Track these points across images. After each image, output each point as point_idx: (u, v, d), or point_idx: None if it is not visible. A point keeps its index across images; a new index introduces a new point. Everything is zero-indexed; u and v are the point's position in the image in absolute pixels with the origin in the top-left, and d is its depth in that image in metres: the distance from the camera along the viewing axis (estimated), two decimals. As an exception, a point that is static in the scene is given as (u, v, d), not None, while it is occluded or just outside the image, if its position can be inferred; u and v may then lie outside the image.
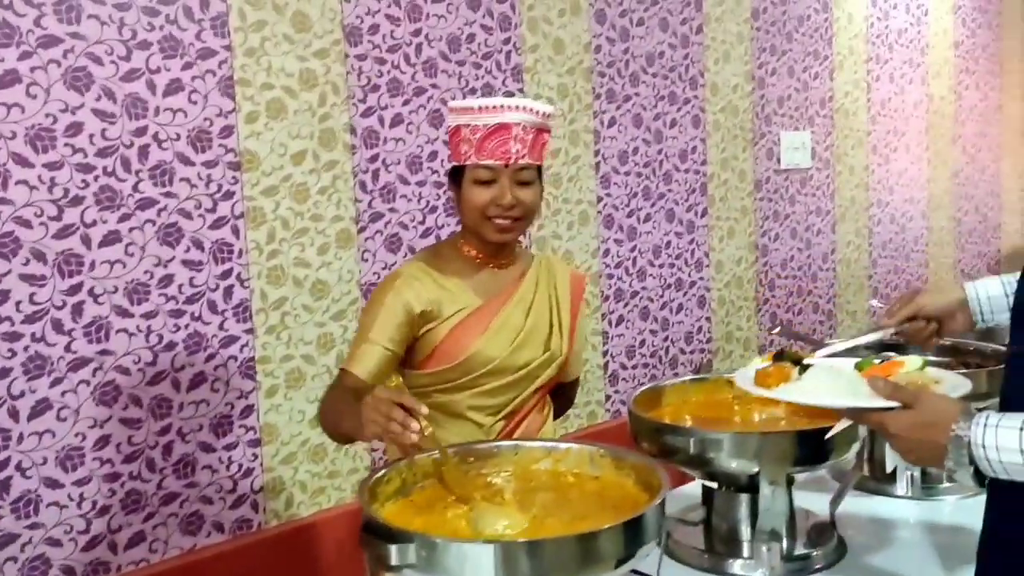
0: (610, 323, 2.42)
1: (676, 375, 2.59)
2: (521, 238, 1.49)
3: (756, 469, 1.19)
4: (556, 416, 1.57)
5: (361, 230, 1.90)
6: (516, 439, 1.32)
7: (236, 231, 1.72)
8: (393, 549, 0.85)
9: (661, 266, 2.53)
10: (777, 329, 1.51)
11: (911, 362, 1.17)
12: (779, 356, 1.17)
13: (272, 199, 1.76)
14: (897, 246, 3.35)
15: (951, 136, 3.56)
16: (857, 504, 1.44)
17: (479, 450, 1.15)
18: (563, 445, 1.15)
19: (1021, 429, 0.96)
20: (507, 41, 2.14)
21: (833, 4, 2.98)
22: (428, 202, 2.01)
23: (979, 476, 1.00)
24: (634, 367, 2.48)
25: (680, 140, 2.55)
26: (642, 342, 2.50)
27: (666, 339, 2.56)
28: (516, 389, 1.40)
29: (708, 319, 2.67)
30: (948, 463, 0.99)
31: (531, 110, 1.35)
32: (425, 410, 1.04)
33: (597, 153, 2.35)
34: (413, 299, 1.32)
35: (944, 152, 3.53)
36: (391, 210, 1.95)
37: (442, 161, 2.01)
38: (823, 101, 2.97)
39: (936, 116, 3.46)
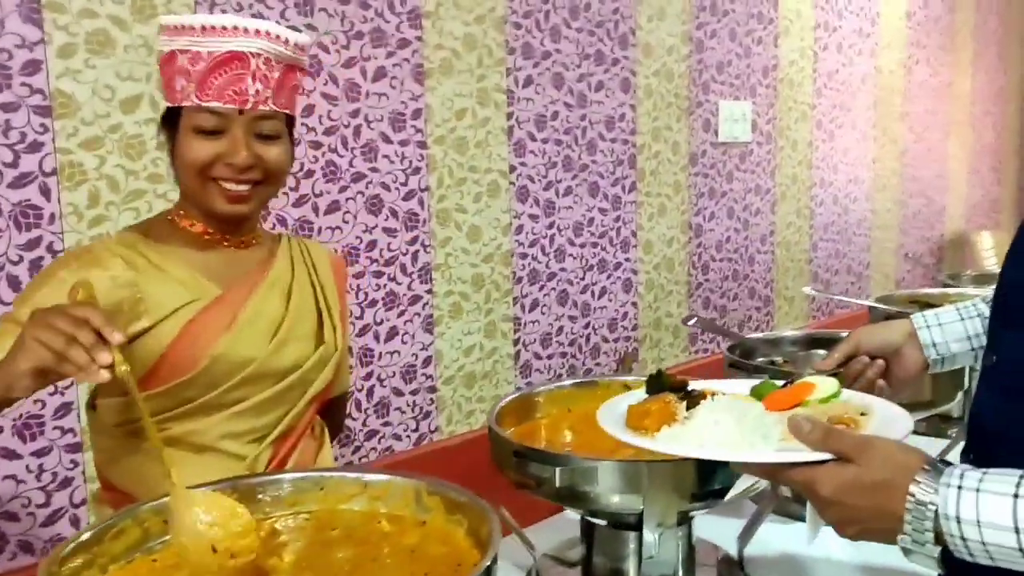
0: (523, 308, 2.13)
1: (598, 365, 2.32)
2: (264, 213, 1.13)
3: (640, 507, 0.91)
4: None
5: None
6: (289, 471, 1.02)
7: (46, 191, 1.39)
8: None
9: (583, 245, 2.25)
10: (693, 320, 1.24)
11: (824, 385, 0.88)
12: (655, 382, 0.88)
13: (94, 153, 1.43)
14: (839, 229, 3.12)
15: (899, 113, 3.34)
16: (775, 535, 1.18)
17: (266, 484, 0.85)
18: (382, 477, 0.86)
19: (1016, 496, 0.66)
20: (403, -20, 1.82)
21: (780, -37, 2.71)
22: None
23: (947, 559, 0.70)
24: (550, 357, 2.21)
25: (607, 105, 2.26)
26: (560, 329, 2.22)
27: (587, 326, 2.29)
28: (285, 402, 1.09)
29: (634, 304, 2.40)
30: (904, 540, 0.70)
31: (278, 37, 1.03)
32: (120, 338, 0.74)
33: (510, 116, 2.06)
34: (107, 283, 0.96)
35: (891, 130, 3.30)
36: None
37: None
38: (766, 69, 2.71)
39: (884, 91, 3.23)
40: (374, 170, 1.82)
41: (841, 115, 3.05)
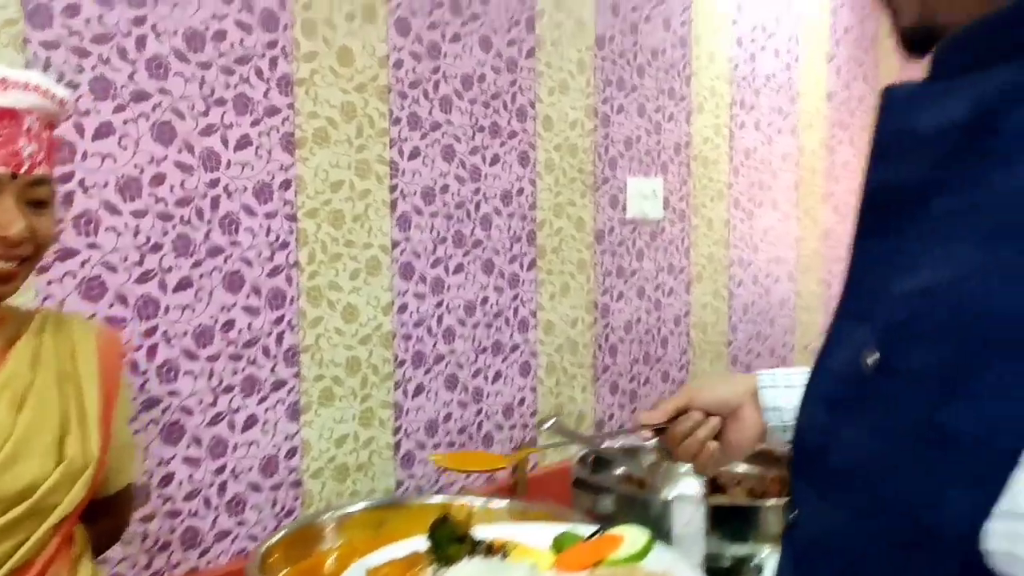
0: (405, 393, 1.98)
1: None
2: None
3: None
4: (99, 552, 1.10)
5: (38, 270, 1.43)
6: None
7: None
8: None
9: (475, 326, 2.11)
10: (548, 423, 1.10)
11: (633, 538, 0.77)
12: (439, 528, 0.73)
13: None
14: (761, 310, 3.02)
15: (822, 193, 3.28)
16: None
17: None
18: None
19: None
20: (272, 44, 1.71)
21: (693, 40, 2.66)
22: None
23: None
24: (436, 446, 2.04)
25: (503, 179, 2.15)
26: (447, 416, 2.06)
27: (479, 412, 2.13)
28: (18, 532, 0.91)
29: (533, 389, 2.26)
30: None
31: (47, 92, 0.92)
32: None
33: (394, 188, 1.93)
34: None
35: (815, 210, 3.24)
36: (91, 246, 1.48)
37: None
38: (678, 146, 2.64)
39: (806, 171, 3.18)
40: (235, 244, 1.68)
41: (760, 194, 2.98)
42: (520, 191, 2.20)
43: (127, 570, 1.56)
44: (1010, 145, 0.55)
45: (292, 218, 1.76)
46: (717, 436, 0.96)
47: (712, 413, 0.96)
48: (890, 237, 0.64)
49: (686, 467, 1.13)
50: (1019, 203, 0.53)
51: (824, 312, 3.36)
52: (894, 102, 0.66)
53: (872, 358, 0.59)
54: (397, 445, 1.97)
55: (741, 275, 2.92)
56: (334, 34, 1.81)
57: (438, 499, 1.03)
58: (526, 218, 2.22)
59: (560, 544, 0.76)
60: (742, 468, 1.35)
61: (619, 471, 1.20)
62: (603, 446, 1.16)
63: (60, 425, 0.96)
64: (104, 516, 1.07)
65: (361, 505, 1.01)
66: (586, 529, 0.78)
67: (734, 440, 0.97)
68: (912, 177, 0.62)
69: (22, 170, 0.88)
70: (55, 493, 0.93)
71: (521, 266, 2.21)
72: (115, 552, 1.51)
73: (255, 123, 1.70)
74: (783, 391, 0.97)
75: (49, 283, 1.44)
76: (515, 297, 2.21)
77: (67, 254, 1.47)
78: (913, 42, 0.66)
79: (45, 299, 1.44)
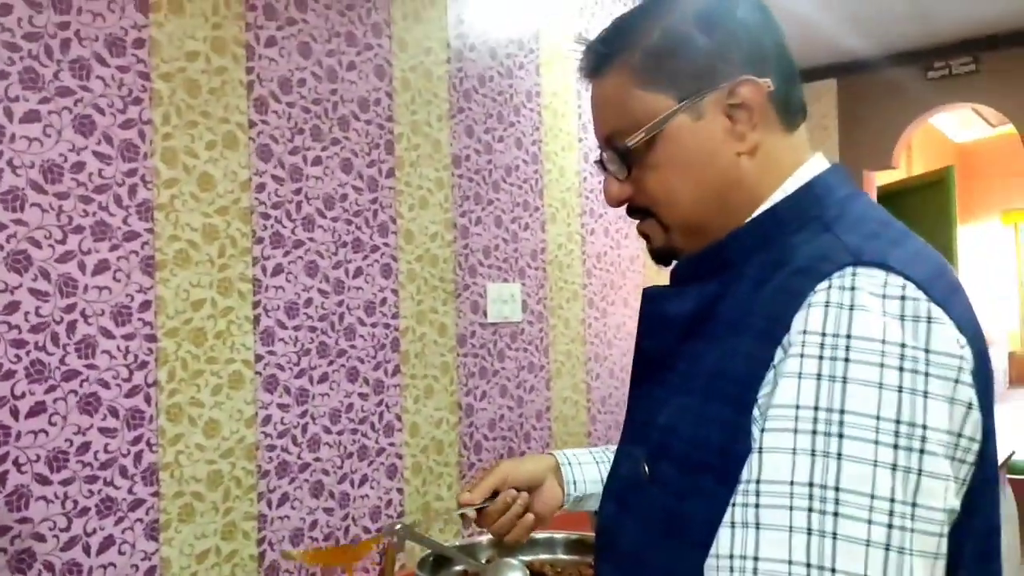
0: (269, 504, 1.98)
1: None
2: None
3: None
4: None
5: None
6: None
7: None
8: None
9: (340, 432, 2.14)
10: (398, 527, 1.15)
11: None
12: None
13: None
14: (618, 400, 3.16)
15: (670, 290, 3.49)
16: None
17: None
18: None
19: None
20: (132, 173, 1.75)
21: (544, 157, 2.84)
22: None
23: None
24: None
25: (366, 291, 2.22)
26: (313, 523, 2.07)
27: (346, 517, 2.15)
28: None
29: (400, 490, 2.29)
30: None
31: None
32: None
33: (257, 304, 1.97)
34: None
35: (664, 305, 3.44)
36: None
37: None
38: (535, 252, 2.78)
39: (652, 271, 3.39)
40: (91, 367, 1.67)
41: (612, 293, 3.15)
42: (383, 301, 2.27)
43: None
44: (716, 329, 0.84)
45: (152, 338, 1.77)
46: (531, 512, 1.12)
47: (521, 489, 1.11)
48: (654, 386, 0.91)
49: (516, 561, 1.23)
50: (718, 370, 0.81)
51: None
52: (651, 297, 0.93)
53: (641, 471, 0.87)
54: (261, 556, 1.96)
55: (598, 369, 3.06)
56: (195, 161, 1.86)
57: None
58: (389, 326, 2.29)
59: None
60: (562, 556, 1.46)
61: (458, 568, 1.26)
62: (446, 545, 1.21)
63: None
64: None
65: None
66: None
67: (540, 510, 1.14)
68: (663, 346, 0.91)
69: None
70: None
71: (386, 372, 2.27)
72: None
73: (114, 248, 1.72)
74: (577, 467, 1.17)
75: None
76: (380, 402, 2.25)
77: (-88, 386, 1.44)
78: (660, 257, 0.95)
79: None
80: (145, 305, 1.76)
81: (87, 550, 1.65)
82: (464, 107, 2.54)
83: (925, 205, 5.27)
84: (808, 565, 0.65)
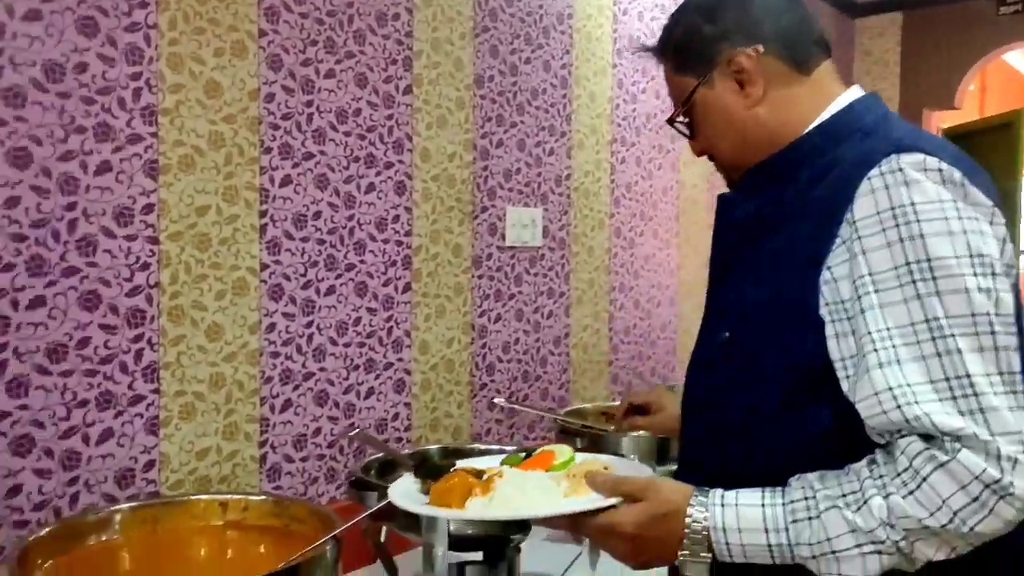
0: (272, 408, 1.96)
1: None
2: None
3: None
4: None
5: None
6: None
7: None
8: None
9: (347, 345, 2.11)
10: (353, 432, 1.18)
11: (560, 451, 1.06)
12: (423, 466, 1.01)
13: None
14: (642, 332, 3.05)
15: (704, 223, 3.34)
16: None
17: None
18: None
19: (763, 506, 0.89)
20: (136, 76, 1.70)
21: (574, 82, 2.70)
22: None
23: (713, 568, 0.90)
24: (304, 459, 2.03)
25: (378, 207, 2.16)
26: (317, 430, 2.05)
27: (351, 426, 2.12)
28: None
29: (407, 404, 2.26)
30: (682, 555, 0.90)
31: None
32: None
33: (264, 214, 1.93)
34: None
35: (696, 239, 3.29)
36: None
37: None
38: (559, 179, 2.66)
39: (688, 203, 3.23)
40: (92, 265, 1.66)
41: (641, 224, 3.02)
42: (396, 218, 2.21)
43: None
44: (779, 222, 1.02)
45: (154, 240, 1.75)
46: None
47: (643, 405, 1.51)
48: (727, 276, 1.10)
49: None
50: (786, 249, 0.99)
51: (707, 335, 3.40)
52: (723, 202, 1.14)
53: (723, 337, 1.04)
54: (263, 458, 1.95)
55: (622, 299, 2.95)
56: (202, 68, 1.80)
57: (208, 497, 1.03)
58: (401, 244, 2.23)
59: (510, 463, 1.03)
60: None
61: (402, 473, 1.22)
62: (401, 453, 1.18)
63: None
64: None
65: (134, 503, 1.01)
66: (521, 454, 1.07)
67: (664, 424, 1.48)
68: (733, 244, 1.10)
69: None
70: None
71: (396, 289, 2.22)
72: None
73: (116, 150, 1.68)
74: None
75: None
76: (389, 318, 2.21)
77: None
78: (729, 174, 1.17)
79: None
80: (148, 208, 1.73)
81: (86, 440, 1.66)
82: (489, 26, 2.41)
83: (991, 149, 4.91)
84: (946, 379, 0.84)
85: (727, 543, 0.88)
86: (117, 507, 0.98)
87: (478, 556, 1.34)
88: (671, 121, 1.16)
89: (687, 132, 1.16)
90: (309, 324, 2.03)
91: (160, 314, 1.76)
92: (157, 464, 1.76)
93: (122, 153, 1.69)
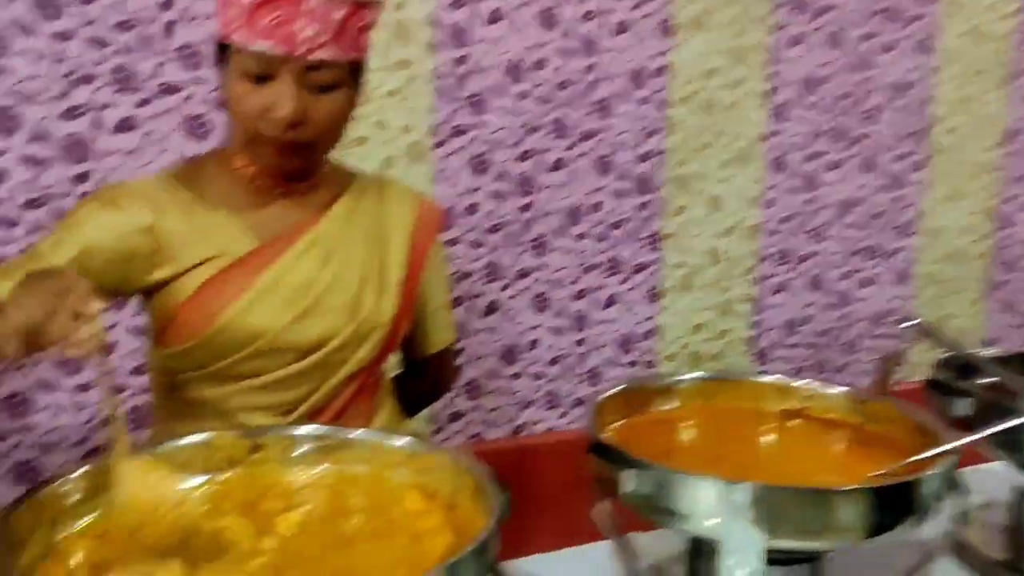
0: (765, 289, 1.82)
1: (857, 362, 1.93)
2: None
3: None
4: (414, 411, 1.05)
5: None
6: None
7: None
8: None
9: (849, 226, 1.87)
10: (909, 324, 0.93)
11: None
12: None
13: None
14: None
15: None
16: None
17: (296, 438, 0.73)
18: (431, 452, 0.71)
19: None
20: (655, -74, 1.59)
21: None
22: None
23: None
24: (793, 346, 1.87)
25: (896, 69, 1.84)
26: (808, 317, 1.87)
27: (843, 317, 1.90)
28: (311, 379, 0.89)
29: (908, 299, 1.96)
30: None
31: None
32: (95, 309, 0.63)
33: (771, 77, 1.74)
34: (135, 223, 0.83)
35: None
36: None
37: (546, 70, 1.53)
38: None
39: None
40: (607, 128, 1.63)
41: None
42: (915, 83, 1.87)
43: (482, 425, 1.64)
44: None
45: (663, 104, 1.66)
46: None
47: None
48: None
49: None
50: None
51: None
52: None
53: None
54: (754, 339, 1.83)
55: None
56: (719, -88, 1.63)
57: (771, 379, 0.91)
58: (919, 113, 1.89)
59: None
60: None
61: (986, 380, 0.96)
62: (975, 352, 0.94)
63: (359, 284, 0.90)
64: (422, 378, 1.05)
65: (697, 375, 0.93)
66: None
67: None
68: None
69: (298, 52, 0.79)
70: (343, 350, 0.89)
71: (908, 166, 1.90)
72: (467, 405, 1.59)
73: (635, 7, 1.60)
74: None
75: (448, 156, 1.51)
76: (898, 199, 1.90)
77: (457, 132, 1.52)
78: None
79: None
80: (659, 70, 1.65)
81: (595, 304, 1.68)
82: None
83: None
84: None
85: None
86: (679, 377, 0.92)
87: None
88: None
89: None
90: (810, 201, 1.82)
91: (665, 182, 1.69)
92: (655, 334, 1.74)
93: (639, 11, 1.61)
